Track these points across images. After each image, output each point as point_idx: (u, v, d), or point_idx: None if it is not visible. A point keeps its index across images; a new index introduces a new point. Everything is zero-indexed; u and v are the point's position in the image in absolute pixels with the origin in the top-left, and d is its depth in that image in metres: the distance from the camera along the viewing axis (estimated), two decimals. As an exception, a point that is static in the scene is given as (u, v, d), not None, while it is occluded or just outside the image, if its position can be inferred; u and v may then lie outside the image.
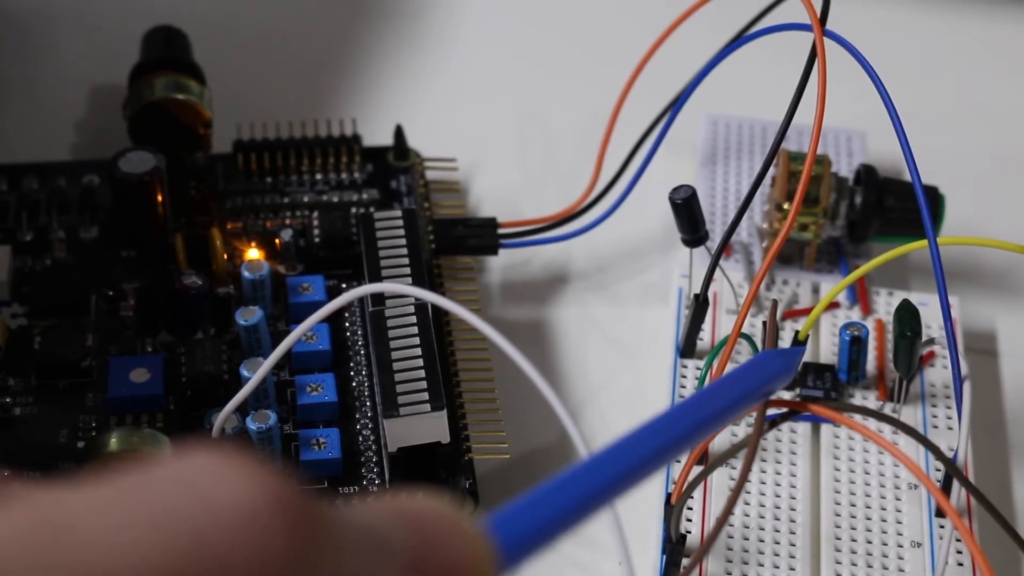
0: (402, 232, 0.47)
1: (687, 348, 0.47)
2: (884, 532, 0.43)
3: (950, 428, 0.45)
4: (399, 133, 0.53)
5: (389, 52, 0.60)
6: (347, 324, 0.48)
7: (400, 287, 0.44)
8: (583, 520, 0.20)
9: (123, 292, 0.48)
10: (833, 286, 0.46)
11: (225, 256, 0.49)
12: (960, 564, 0.42)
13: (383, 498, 0.19)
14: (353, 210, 0.51)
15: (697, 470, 0.41)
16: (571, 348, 0.50)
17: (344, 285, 0.49)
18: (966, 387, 0.42)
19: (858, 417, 0.41)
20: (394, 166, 0.53)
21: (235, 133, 0.53)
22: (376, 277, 0.46)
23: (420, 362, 0.43)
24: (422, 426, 0.42)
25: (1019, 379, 0.49)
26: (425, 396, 0.42)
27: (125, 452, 0.42)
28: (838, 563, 0.42)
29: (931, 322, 0.47)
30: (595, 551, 0.43)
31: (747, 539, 0.42)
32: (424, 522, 0.18)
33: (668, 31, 0.49)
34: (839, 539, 0.42)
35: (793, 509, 0.43)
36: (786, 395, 0.46)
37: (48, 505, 0.16)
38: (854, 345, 0.45)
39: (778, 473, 0.44)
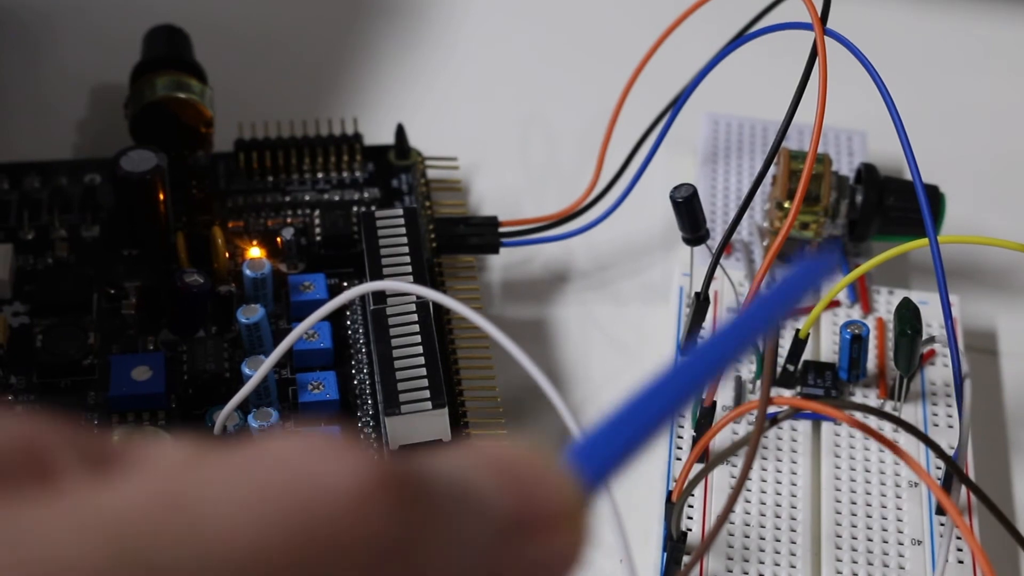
0: (403, 230, 0.47)
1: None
2: (885, 530, 0.43)
3: (950, 426, 0.45)
4: (400, 132, 0.53)
5: (390, 51, 0.60)
6: (348, 322, 0.48)
7: (401, 285, 0.44)
8: (657, 437, 0.20)
9: (125, 291, 0.48)
10: (834, 285, 0.46)
11: (227, 255, 0.49)
12: (960, 562, 0.42)
13: (470, 446, 0.19)
14: (354, 209, 0.51)
15: (698, 468, 0.41)
16: (572, 346, 0.50)
17: (345, 283, 0.49)
18: (966, 385, 0.42)
19: (859, 415, 0.41)
20: (395, 165, 0.53)
21: (236, 132, 0.53)
22: (377, 275, 0.46)
23: (421, 360, 0.43)
24: (423, 424, 0.42)
25: (1019, 378, 0.49)
26: (426, 394, 0.43)
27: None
28: (839, 560, 0.42)
29: (931, 321, 0.47)
30: (596, 549, 0.43)
31: (748, 537, 0.42)
32: (516, 474, 0.19)
33: (669, 30, 0.49)
34: (840, 537, 0.42)
35: (794, 507, 0.43)
36: (787, 393, 0.46)
37: (168, 475, 0.17)
38: (855, 343, 0.45)
39: (779, 471, 0.44)
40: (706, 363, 0.21)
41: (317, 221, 0.50)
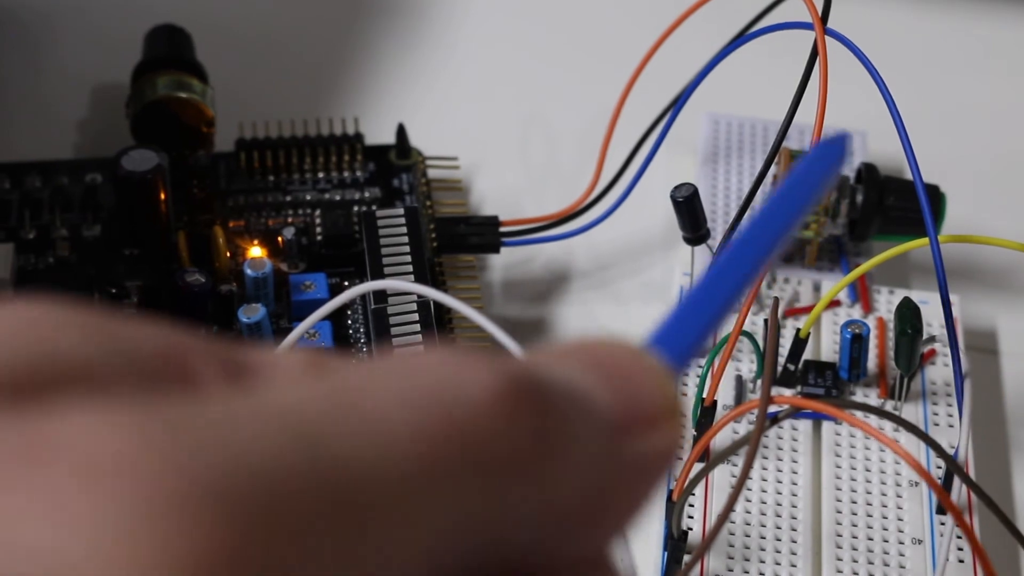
0: (404, 230, 0.48)
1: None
2: (885, 529, 0.43)
3: (951, 426, 0.46)
4: (401, 132, 0.53)
5: (391, 51, 0.60)
6: (349, 322, 0.48)
7: (402, 284, 0.44)
8: (727, 317, 0.22)
9: (126, 290, 0.48)
10: (834, 284, 0.46)
11: (228, 254, 0.49)
12: (961, 561, 0.42)
13: (567, 346, 0.20)
14: (355, 208, 0.51)
15: (699, 467, 0.41)
16: (573, 346, 0.50)
17: (346, 283, 0.49)
18: (967, 385, 0.43)
19: (859, 414, 0.41)
20: (396, 164, 0.53)
21: (237, 132, 0.53)
22: (378, 275, 0.46)
23: (422, 359, 0.43)
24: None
25: (1020, 377, 0.49)
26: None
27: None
28: (839, 560, 0.42)
29: (932, 320, 0.47)
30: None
31: (748, 536, 0.42)
32: (616, 373, 0.19)
33: (669, 30, 0.49)
34: (840, 536, 0.43)
35: (794, 506, 0.43)
36: (787, 392, 0.46)
37: (343, 373, 0.18)
38: (855, 343, 0.45)
39: (779, 470, 0.44)
40: (760, 242, 0.22)
41: (318, 220, 0.51)
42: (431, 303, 0.45)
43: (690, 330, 0.21)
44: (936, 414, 0.46)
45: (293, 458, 0.16)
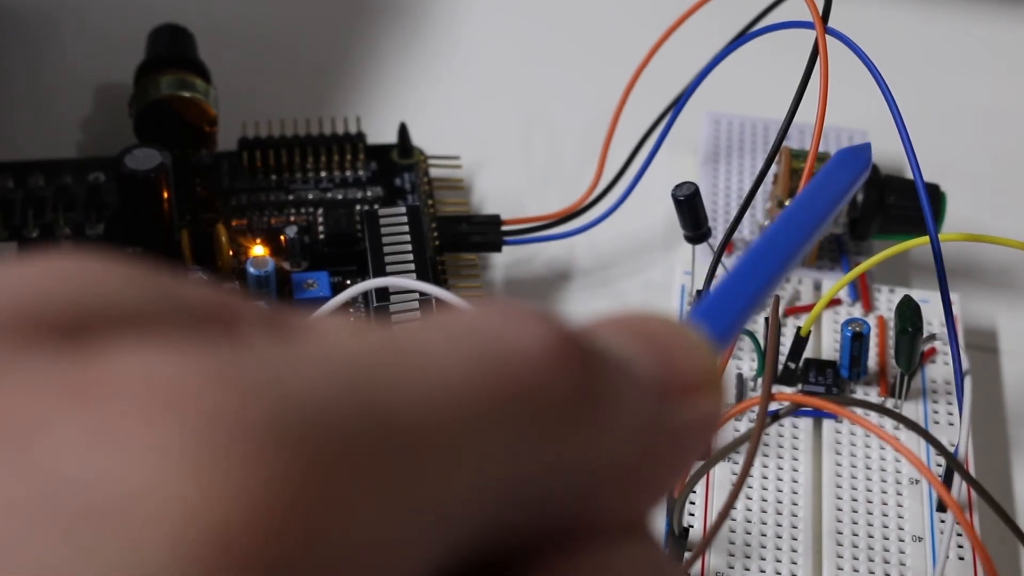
0: (406, 229, 0.48)
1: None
2: (885, 527, 0.43)
3: (951, 424, 0.46)
4: (403, 131, 0.53)
5: (393, 50, 0.60)
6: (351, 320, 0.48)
7: (404, 282, 0.44)
8: (770, 294, 0.23)
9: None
10: (835, 283, 0.46)
11: (230, 253, 0.49)
12: (961, 558, 0.42)
13: (607, 317, 0.20)
14: (357, 207, 0.51)
15: (699, 465, 0.41)
16: (574, 344, 0.50)
17: (349, 281, 0.49)
18: (967, 382, 0.43)
19: (860, 411, 0.41)
20: (398, 164, 0.53)
21: (240, 131, 0.53)
22: (380, 273, 0.47)
23: (425, 357, 0.43)
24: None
25: (1020, 376, 0.50)
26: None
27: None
28: (839, 557, 0.42)
29: (932, 318, 0.47)
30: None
31: (749, 533, 0.43)
32: (658, 343, 0.19)
33: (670, 30, 0.49)
34: (840, 534, 0.43)
35: (795, 504, 0.43)
36: (788, 390, 0.46)
37: (388, 330, 0.18)
38: (856, 341, 0.46)
39: (780, 468, 0.44)
40: (797, 229, 0.23)
41: (320, 219, 0.51)
42: (433, 301, 0.45)
43: (732, 307, 0.21)
44: (936, 412, 0.46)
45: (352, 399, 0.16)
